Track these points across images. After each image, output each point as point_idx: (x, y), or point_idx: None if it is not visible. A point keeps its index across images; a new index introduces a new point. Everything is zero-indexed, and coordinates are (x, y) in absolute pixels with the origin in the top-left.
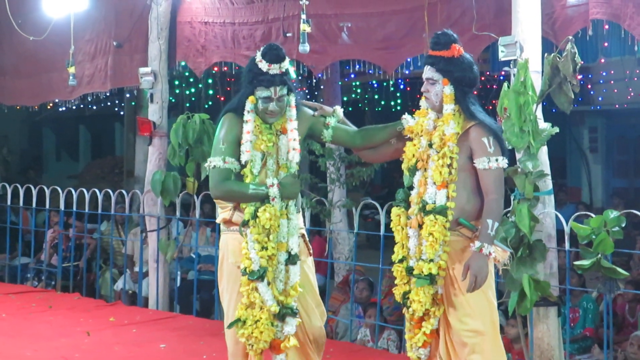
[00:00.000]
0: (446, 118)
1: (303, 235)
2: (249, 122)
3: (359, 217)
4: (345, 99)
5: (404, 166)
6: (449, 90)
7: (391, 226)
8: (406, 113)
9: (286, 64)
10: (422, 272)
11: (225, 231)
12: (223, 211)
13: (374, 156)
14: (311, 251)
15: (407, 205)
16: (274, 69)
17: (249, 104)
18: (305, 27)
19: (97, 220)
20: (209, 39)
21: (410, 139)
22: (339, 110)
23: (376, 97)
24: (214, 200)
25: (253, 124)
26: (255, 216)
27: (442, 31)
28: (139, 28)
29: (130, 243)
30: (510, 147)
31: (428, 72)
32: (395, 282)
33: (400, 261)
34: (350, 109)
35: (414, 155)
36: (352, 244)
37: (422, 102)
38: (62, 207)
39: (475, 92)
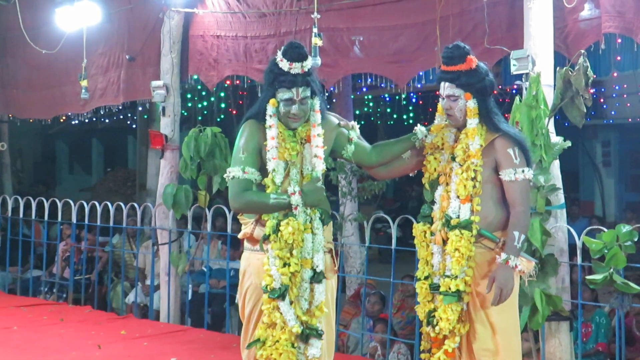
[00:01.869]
0: (471, 133)
1: (331, 251)
2: (272, 127)
3: (370, 231)
4: (357, 112)
5: (424, 181)
6: (473, 104)
7: (415, 242)
8: (419, 125)
9: (309, 63)
10: (449, 288)
11: (248, 249)
12: (245, 226)
13: (386, 173)
14: (337, 268)
15: (431, 221)
16: (296, 68)
17: (270, 108)
18: (317, 41)
19: (109, 233)
20: (221, 52)
21: (424, 153)
22: (356, 126)
23: (388, 110)
24: (236, 216)
25: (277, 129)
26: (277, 230)
27: (454, 45)
28: (152, 41)
29: (141, 256)
30: None
31: (448, 89)
32: (418, 299)
33: (425, 278)
34: (362, 122)
35: (435, 170)
36: (363, 257)
37: (438, 118)
38: (74, 219)
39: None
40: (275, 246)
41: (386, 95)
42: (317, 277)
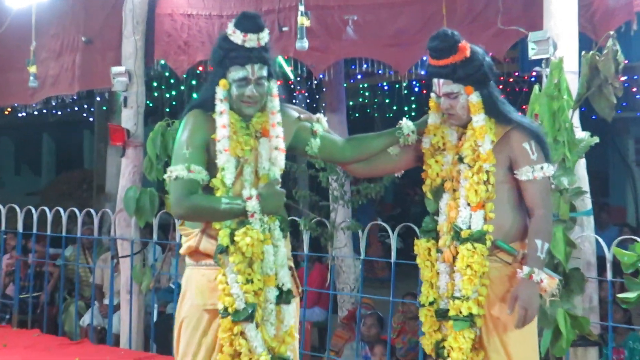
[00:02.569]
0: (480, 131)
1: (291, 269)
2: (223, 113)
3: (366, 241)
4: (351, 103)
5: (426, 189)
6: (475, 97)
7: (418, 262)
8: (404, 118)
9: (266, 36)
10: (460, 312)
11: (191, 265)
12: (188, 238)
13: (367, 170)
14: (300, 289)
15: (435, 236)
16: (251, 41)
17: (220, 91)
18: (303, 21)
19: (61, 244)
20: (193, 34)
21: (419, 154)
22: (323, 118)
23: (387, 101)
24: (177, 225)
25: (228, 117)
26: (232, 241)
27: (440, 33)
28: (112, 21)
29: (99, 271)
30: None
31: (445, 86)
32: (423, 329)
33: (430, 304)
34: (357, 115)
35: (438, 175)
36: (358, 272)
37: (432, 116)
38: (20, 228)
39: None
40: (235, 259)
41: (384, 84)
42: (285, 297)
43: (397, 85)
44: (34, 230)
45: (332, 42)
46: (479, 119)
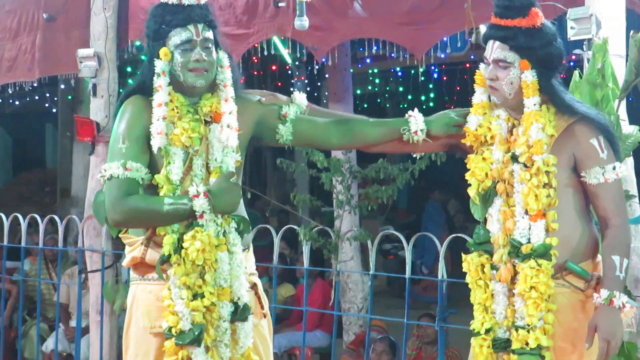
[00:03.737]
0: (529, 118)
1: (254, 286)
2: (160, 90)
3: (376, 254)
4: (358, 91)
5: (472, 192)
6: (530, 76)
7: (469, 282)
8: (415, 109)
9: None
10: (527, 344)
11: (136, 280)
12: (132, 248)
13: (380, 147)
14: (266, 310)
15: (489, 250)
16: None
17: (160, 64)
18: None
19: (20, 256)
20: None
21: (472, 150)
22: (300, 97)
23: (401, 89)
24: (119, 234)
25: (166, 94)
26: (179, 248)
27: None
28: None
29: (64, 288)
30: None
31: (497, 51)
32: None
33: (487, 332)
34: (365, 105)
35: (487, 175)
36: (367, 290)
37: (478, 93)
38: None
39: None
40: (179, 270)
41: (397, 69)
42: (240, 313)
43: (412, 71)
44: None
45: (337, 20)
46: (532, 103)
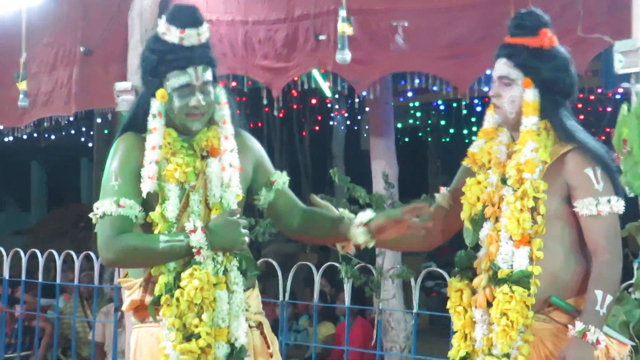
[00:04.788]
0: (525, 136)
1: (260, 325)
2: (154, 132)
3: (419, 292)
4: (399, 125)
5: (464, 215)
6: (531, 95)
7: (448, 307)
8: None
9: (206, 32)
10: None
11: (137, 324)
12: (130, 291)
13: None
14: (273, 350)
15: (473, 274)
16: (191, 38)
17: (156, 104)
18: (345, 28)
19: (55, 293)
20: (213, 43)
21: (472, 173)
22: (283, 176)
23: (443, 123)
24: (119, 276)
25: (161, 136)
26: (173, 287)
27: (527, 11)
28: (116, 29)
29: (99, 326)
30: (631, 194)
31: (502, 67)
32: None
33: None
34: (406, 139)
35: (479, 199)
36: (410, 328)
37: (488, 117)
38: (6, 274)
39: (572, 105)
40: (168, 312)
41: (439, 102)
42: (236, 355)
43: (454, 104)
44: (23, 277)
45: (378, 53)
46: (529, 123)
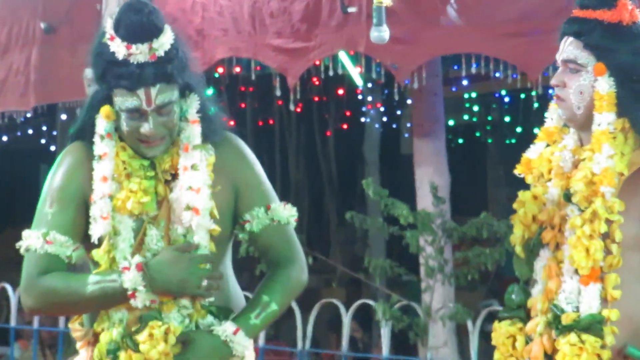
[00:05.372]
0: (598, 139)
1: None
2: (104, 158)
3: (478, 337)
4: (451, 122)
5: (514, 239)
6: (605, 85)
7: (495, 357)
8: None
9: (166, 42)
10: None
11: None
12: (80, 344)
13: None
14: None
15: (526, 315)
16: (141, 54)
17: (102, 124)
18: None
19: (8, 339)
20: (210, 17)
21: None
22: (262, 218)
23: (507, 119)
24: (68, 323)
25: (112, 162)
26: (119, 348)
27: None
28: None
29: None
30: None
31: (568, 48)
32: None
33: None
34: (460, 140)
35: (534, 219)
36: None
37: (551, 112)
38: None
39: None
40: None
41: (503, 93)
42: None
43: (522, 96)
44: None
45: (425, 30)
46: (603, 122)
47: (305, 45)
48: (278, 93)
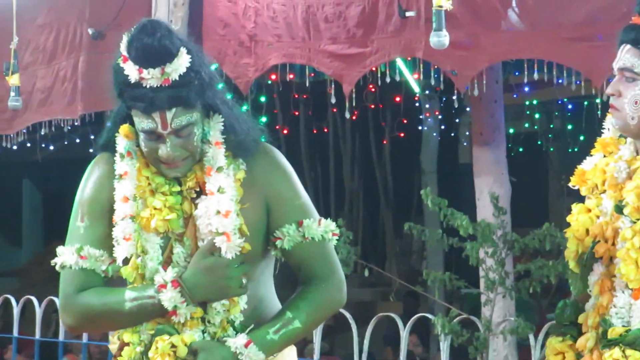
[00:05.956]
0: None
1: None
2: (125, 178)
3: (542, 352)
4: (511, 130)
5: (568, 254)
6: None
7: None
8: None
9: (181, 64)
10: None
11: None
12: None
13: None
14: None
15: (578, 331)
16: (153, 80)
17: (122, 142)
18: (442, 1)
19: (57, 354)
20: (263, 22)
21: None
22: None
23: (570, 127)
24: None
25: (134, 182)
26: None
27: None
28: (135, 4)
29: None
30: None
31: (625, 56)
32: None
33: None
34: (521, 149)
35: (588, 232)
36: None
37: (608, 122)
38: None
39: None
40: None
41: (566, 100)
42: None
43: (585, 103)
44: (14, 333)
45: (486, 35)
46: None
47: (361, 51)
48: (333, 100)
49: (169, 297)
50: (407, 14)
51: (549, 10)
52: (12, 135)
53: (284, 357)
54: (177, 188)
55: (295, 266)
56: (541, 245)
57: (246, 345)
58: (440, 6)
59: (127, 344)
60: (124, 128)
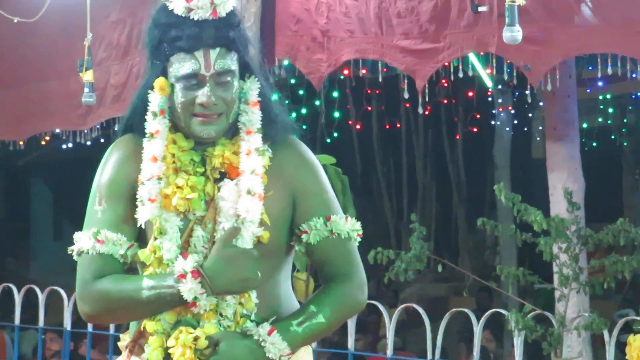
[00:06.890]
0: None
1: None
2: (155, 136)
3: (615, 348)
4: (584, 125)
5: None
6: None
7: None
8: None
9: (229, 2)
10: None
11: None
12: (120, 358)
13: None
14: None
15: None
16: (201, 10)
17: (156, 99)
18: None
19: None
20: (336, 19)
21: None
22: (320, 229)
23: None
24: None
25: (164, 142)
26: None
27: None
28: None
29: None
30: None
31: None
32: None
33: None
34: (594, 144)
35: None
36: None
37: None
38: (67, 324)
39: None
40: None
41: (639, 94)
42: None
43: None
44: (89, 328)
45: (559, 29)
46: None
47: (433, 46)
48: (406, 95)
49: (189, 289)
50: (480, 9)
51: (622, 4)
52: (86, 131)
53: (297, 359)
54: (202, 169)
55: (318, 263)
56: (615, 240)
57: (269, 333)
58: (513, 1)
59: (140, 338)
60: (160, 80)
